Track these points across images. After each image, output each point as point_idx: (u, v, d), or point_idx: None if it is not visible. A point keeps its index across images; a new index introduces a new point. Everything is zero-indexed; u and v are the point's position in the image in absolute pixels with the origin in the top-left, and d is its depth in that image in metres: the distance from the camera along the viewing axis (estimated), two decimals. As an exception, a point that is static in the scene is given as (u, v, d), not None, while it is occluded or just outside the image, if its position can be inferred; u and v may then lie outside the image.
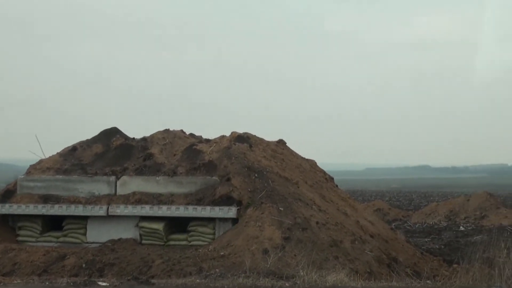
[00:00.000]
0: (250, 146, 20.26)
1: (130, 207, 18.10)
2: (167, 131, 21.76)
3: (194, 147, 20.26)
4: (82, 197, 18.84)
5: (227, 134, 21.25)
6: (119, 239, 17.90)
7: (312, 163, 23.17)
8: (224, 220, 17.53)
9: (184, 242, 17.63)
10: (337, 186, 23.12)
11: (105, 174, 19.26)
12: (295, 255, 14.81)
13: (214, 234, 17.53)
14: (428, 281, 12.94)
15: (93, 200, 18.66)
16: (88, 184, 19.04)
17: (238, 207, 17.48)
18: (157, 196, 18.34)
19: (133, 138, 21.65)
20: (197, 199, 18.02)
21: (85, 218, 18.55)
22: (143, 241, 17.94)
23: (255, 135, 21.42)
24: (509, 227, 39.67)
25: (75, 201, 18.69)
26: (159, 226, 17.82)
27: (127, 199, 18.42)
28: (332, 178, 23.38)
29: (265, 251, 15.23)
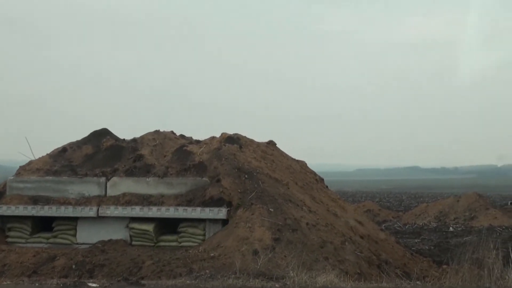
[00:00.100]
0: (240, 147, 20.28)
1: (120, 208, 18.09)
2: (157, 132, 21.75)
3: (185, 148, 20.26)
4: (72, 198, 18.81)
5: (218, 135, 21.27)
6: (109, 240, 17.89)
7: (302, 164, 23.21)
8: (214, 221, 17.52)
9: (174, 243, 17.63)
10: (327, 187, 23.16)
11: (95, 175, 19.25)
12: (285, 256, 14.82)
13: (204, 235, 17.52)
14: (418, 282, 12.95)
15: (83, 201, 18.63)
16: (78, 185, 19.02)
17: (228, 208, 17.49)
18: (147, 197, 18.34)
19: (123, 139, 21.62)
20: (187, 200, 18.02)
21: (75, 219, 18.52)
22: (133, 242, 17.93)
23: (245, 136, 21.45)
24: (499, 228, 39.87)
25: (65, 202, 18.67)
26: (149, 227, 17.81)
27: (117, 200, 18.41)
28: (322, 179, 23.42)
29: (255, 252, 15.24)
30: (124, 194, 18.54)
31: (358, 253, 16.64)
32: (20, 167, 20.70)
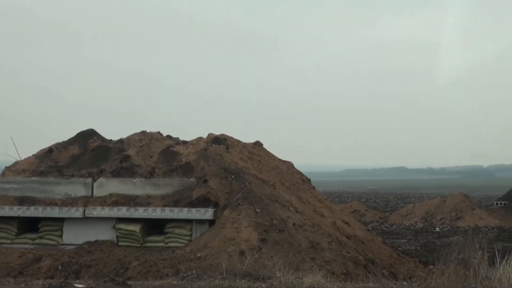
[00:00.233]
0: (227, 148, 20.28)
1: (107, 209, 18.05)
2: (144, 132, 21.72)
3: (171, 148, 20.24)
4: (58, 199, 18.76)
5: (204, 135, 21.26)
6: (96, 241, 17.85)
7: (289, 165, 23.23)
8: (201, 221, 17.51)
9: (161, 244, 17.60)
10: (314, 187, 23.17)
11: (82, 176, 19.21)
12: (271, 257, 14.82)
13: (191, 235, 17.51)
14: (404, 282, 12.99)
15: (70, 202, 18.58)
16: (65, 186, 18.97)
17: (215, 209, 17.49)
18: (134, 198, 18.31)
19: (110, 140, 21.59)
20: (174, 201, 18.00)
21: (61, 220, 18.46)
22: (120, 243, 17.89)
23: (231, 137, 21.45)
24: (484, 228, 40.07)
25: (51, 203, 18.61)
26: (136, 228, 17.78)
27: (104, 201, 18.37)
28: (309, 180, 23.44)
29: (242, 253, 15.23)
30: (110, 195, 18.51)
31: (345, 254, 16.66)
32: (6, 167, 20.62)
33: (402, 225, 45.79)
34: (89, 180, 18.95)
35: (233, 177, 18.55)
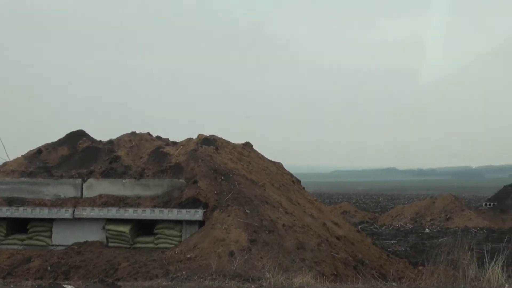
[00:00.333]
0: (217, 149, 20.26)
1: (96, 209, 18.02)
2: (133, 133, 21.67)
3: (161, 149, 20.21)
4: (47, 199, 18.72)
5: (194, 136, 21.23)
6: (85, 242, 17.81)
7: (278, 166, 23.22)
8: (191, 222, 17.50)
9: (150, 245, 17.58)
10: (304, 188, 23.17)
11: (71, 177, 19.16)
12: (261, 258, 14.80)
13: (181, 236, 17.50)
14: (393, 283, 12.99)
15: (59, 202, 18.54)
16: (54, 187, 18.93)
17: (205, 210, 17.48)
18: (124, 199, 18.29)
19: (100, 140, 21.54)
20: (164, 202, 17.98)
21: (50, 221, 18.42)
22: (110, 244, 17.86)
23: (221, 138, 21.43)
24: (474, 229, 40.13)
25: (40, 203, 18.58)
26: (126, 228, 17.76)
27: (93, 202, 18.34)
28: (299, 181, 23.44)
29: (232, 254, 15.23)
30: (100, 196, 18.49)
31: (335, 254, 16.67)
32: (-5, 168, 20.56)
33: (392, 226, 45.83)
34: (79, 181, 18.91)
35: (222, 178, 18.54)
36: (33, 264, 16.33)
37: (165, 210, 17.60)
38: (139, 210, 17.81)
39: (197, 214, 17.39)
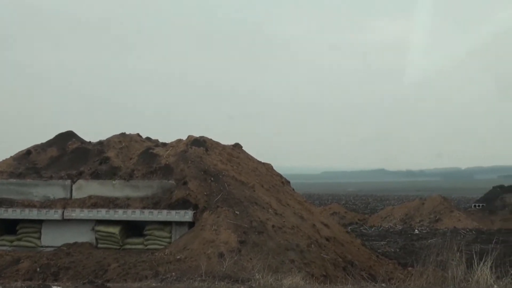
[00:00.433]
0: (206, 150, 20.25)
1: (86, 210, 17.99)
2: (123, 134, 21.63)
3: (151, 150, 20.19)
4: (36, 201, 18.66)
5: (184, 138, 21.21)
6: (75, 243, 17.77)
7: (268, 167, 23.22)
8: (180, 223, 17.49)
9: (140, 246, 17.56)
10: (293, 189, 23.16)
11: (61, 178, 19.11)
12: (250, 259, 14.82)
13: (170, 237, 17.48)
14: (383, 284, 13.03)
15: (48, 204, 18.49)
16: (43, 188, 18.88)
17: (195, 211, 17.48)
18: (113, 200, 18.26)
19: (89, 141, 21.50)
20: (154, 203, 17.97)
21: (39, 222, 18.36)
22: (99, 245, 17.83)
23: (211, 139, 21.41)
24: (463, 230, 40.24)
25: (29, 204, 18.51)
26: (115, 229, 17.73)
27: (83, 203, 18.30)
28: (288, 182, 23.43)
29: (221, 255, 15.23)
30: (90, 197, 18.45)
31: (324, 256, 16.69)
32: (-17, 169, 20.48)
33: (381, 227, 45.91)
34: (68, 182, 18.87)
35: (212, 179, 18.54)
36: (22, 265, 16.28)
37: (155, 211, 17.59)
38: (129, 211, 17.79)
39: (186, 215, 17.38)
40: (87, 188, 18.70)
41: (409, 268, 18.43)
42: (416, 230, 42.47)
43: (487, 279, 11.17)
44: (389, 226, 46.68)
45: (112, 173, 19.07)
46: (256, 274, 12.31)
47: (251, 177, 20.18)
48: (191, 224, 17.40)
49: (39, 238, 18.34)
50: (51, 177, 19.20)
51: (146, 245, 17.55)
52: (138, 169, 19.16)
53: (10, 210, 18.38)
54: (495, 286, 11.01)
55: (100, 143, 20.99)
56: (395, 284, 12.99)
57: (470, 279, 11.35)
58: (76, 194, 18.67)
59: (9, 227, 18.71)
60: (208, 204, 17.62)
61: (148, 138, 22.57)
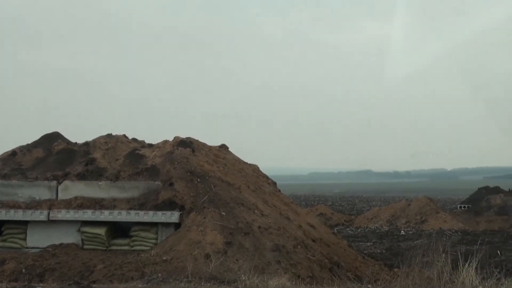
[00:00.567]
0: (193, 151, 20.24)
1: (72, 211, 17.94)
2: (109, 135, 21.60)
3: (137, 151, 20.17)
4: (22, 202, 18.59)
5: (170, 139, 21.20)
6: (61, 244, 17.73)
7: (254, 168, 23.23)
8: (166, 225, 17.48)
9: (126, 247, 17.54)
10: (279, 190, 23.18)
11: (46, 179, 19.05)
12: (237, 260, 14.84)
13: (156, 239, 17.46)
14: (369, 285, 13.08)
15: (34, 205, 18.44)
16: (28, 189, 18.82)
17: (181, 212, 17.46)
18: (100, 201, 18.22)
19: (75, 142, 21.45)
20: (140, 204, 17.95)
21: (25, 223, 18.30)
22: (85, 246, 17.79)
23: (197, 140, 21.40)
24: (448, 231, 40.38)
25: (14, 206, 18.44)
26: (101, 231, 17.70)
27: (68, 204, 18.25)
28: (275, 183, 23.45)
29: (207, 256, 15.24)
30: (76, 198, 18.41)
31: (311, 257, 16.72)
32: (-32, 170, 20.41)
33: (368, 228, 45.97)
34: (54, 183, 18.82)
35: (199, 180, 18.54)
36: (7, 267, 16.21)
37: (141, 213, 17.57)
38: (115, 212, 17.77)
39: (173, 217, 17.37)
40: (73, 189, 18.66)
41: (395, 269, 18.51)
42: (402, 231, 42.56)
43: (472, 280, 11.23)
44: (375, 227, 46.76)
45: (98, 174, 19.04)
46: (242, 275, 12.34)
47: (238, 178, 20.19)
48: (177, 225, 17.39)
49: (25, 239, 18.28)
50: (36, 178, 19.14)
51: (132, 246, 17.53)
52: (124, 170, 19.14)
53: (-5, 211, 18.33)
54: (480, 287, 11.07)
55: (86, 144, 20.94)
56: (381, 285, 13.04)
57: (456, 280, 11.40)
58: (62, 195, 18.62)
59: (-6, 228, 18.67)
60: (194, 205, 17.61)
61: (134, 139, 22.55)
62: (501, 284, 11.20)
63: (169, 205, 17.63)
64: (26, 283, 13.50)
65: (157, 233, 17.54)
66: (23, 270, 15.92)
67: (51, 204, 18.36)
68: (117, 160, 20.00)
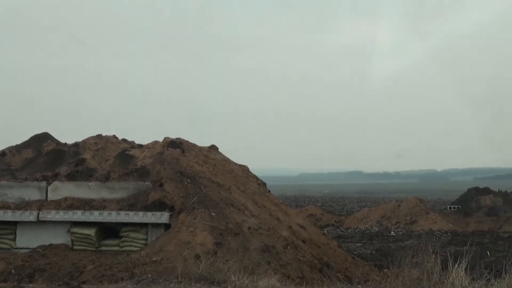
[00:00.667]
0: (183, 152, 20.24)
1: (61, 212, 17.90)
2: (99, 136, 21.58)
3: (127, 152, 20.15)
4: (11, 202, 18.54)
5: (160, 139, 21.20)
6: (50, 245, 17.69)
7: (244, 169, 23.24)
8: (156, 225, 17.46)
9: (116, 248, 17.51)
10: (269, 191, 23.20)
11: (36, 180, 19.00)
12: (226, 260, 14.83)
13: (146, 239, 17.44)
14: (359, 286, 13.11)
15: (23, 205, 18.39)
16: (18, 190, 18.76)
17: (171, 213, 17.45)
18: (89, 202, 18.18)
19: (65, 143, 21.41)
20: (130, 205, 17.92)
21: (14, 224, 18.24)
22: (75, 247, 17.75)
23: (187, 141, 21.42)
24: (438, 232, 40.44)
25: (4, 206, 18.38)
26: (91, 231, 17.66)
27: (58, 205, 18.21)
28: (264, 184, 23.46)
29: (197, 257, 15.22)
30: (65, 199, 18.36)
31: (300, 257, 16.73)
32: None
33: (358, 229, 45.99)
34: (43, 183, 18.77)
35: (188, 180, 18.53)
36: (-4, 267, 16.18)
37: (131, 213, 17.55)
38: (105, 213, 17.73)
39: (163, 217, 17.35)
40: (62, 189, 18.61)
41: (385, 270, 18.51)
42: (392, 232, 42.61)
43: (462, 280, 11.26)
44: (365, 228, 46.80)
45: (88, 175, 19.00)
46: (232, 276, 12.34)
47: (227, 179, 20.20)
48: (167, 226, 17.37)
49: (14, 239, 18.22)
50: (26, 179, 19.09)
51: (122, 247, 17.50)
52: (114, 170, 19.11)
53: (-16, 212, 18.27)
54: (470, 288, 11.10)
55: (76, 144, 20.90)
56: (371, 286, 13.07)
57: (445, 281, 11.43)
58: (51, 196, 18.57)
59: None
60: (184, 205, 17.60)
61: (124, 140, 22.53)
62: (490, 285, 11.23)
63: (159, 205, 17.61)
64: (15, 283, 13.48)
65: (147, 234, 17.52)
66: (13, 271, 15.87)
67: (41, 205, 18.31)
68: (107, 160, 19.98)
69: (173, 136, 21.27)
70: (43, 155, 20.45)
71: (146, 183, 18.44)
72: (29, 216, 18.00)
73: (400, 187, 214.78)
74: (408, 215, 50.26)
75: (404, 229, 45.61)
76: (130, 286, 12.32)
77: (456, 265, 11.51)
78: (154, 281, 12.56)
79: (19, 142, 21.46)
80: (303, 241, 18.52)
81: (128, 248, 17.29)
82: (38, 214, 17.96)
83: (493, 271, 12.09)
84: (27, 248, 17.73)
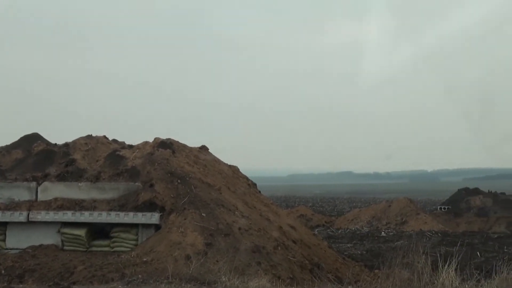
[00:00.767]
0: (173, 152, 20.22)
1: (51, 213, 17.86)
2: (89, 136, 21.54)
3: (117, 153, 20.11)
4: (1, 203, 18.49)
5: (151, 140, 21.17)
6: (40, 245, 17.64)
7: (234, 169, 23.23)
8: (147, 226, 17.44)
9: (106, 248, 17.47)
10: (260, 192, 23.19)
11: (26, 180, 18.96)
12: (217, 261, 14.83)
13: (137, 240, 17.42)
14: (349, 286, 13.13)
15: (13, 206, 18.34)
16: (8, 190, 18.71)
17: (161, 213, 17.43)
18: (80, 202, 18.15)
19: (55, 144, 21.37)
20: (120, 205, 17.90)
21: (4, 224, 18.19)
22: (65, 247, 17.71)
23: (178, 141, 21.40)
24: (428, 233, 40.53)
25: (-7, 207, 18.36)
26: (81, 232, 17.63)
27: (48, 205, 18.17)
28: (255, 184, 23.46)
29: (188, 257, 15.21)
30: (55, 199, 18.32)
31: (291, 258, 16.73)
32: None
33: (348, 230, 46.06)
34: (33, 184, 18.72)
35: (179, 181, 18.52)
36: (-14, 268, 16.14)
37: (121, 214, 17.52)
38: (95, 213, 17.70)
39: (153, 218, 17.33)
40: (52, 190, 18.57)
41: (376, 271, 18.54)
42: (382, 233, 42.68)
43: (452, 281, 11.29)
44: (356, 229, 46.85)
45: (78, 175, 18.97)
46: (223, 277, 12.34)
47: (218, 179, 20.19)
48: (157, 227, 17.35)
49: (4, 240, 18.17)
50: (15, 179, 19.06)
51: (112, 248, 17.47)
52: (105, 171, 19.08)
53: (-26, 212, 18.22)
54: (460, 288, 11.13)
55: (66, 145, 20.86)
56: (361, 286, 13.09)
57: (436, 281, 11.45)
58: (41, 196, 18.53)
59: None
60: (175, 206, 17.59)
61: (114, 140, 22.49)
62: (480, 286, 11.28)
63: (150, 206, 17.60)
64: (5, 284, 13.45)
65: (137, 234, 17.49)
66: (3, 271, 15.84)
67: (31, 205, 18.27)
68: (97, 161, 19.95)
69: (163, 136, 21.26)
70: (33, 156, 20.41)
71: (137, 183, 18.42)
72: (19, 216, 17.95)
73: (391, 188, 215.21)
74: (399, 215, 50.36)
75: (394, 229, 45.70)
76: (120, 287, 12.31)
77: (446, 266, 11.54)
78: (144, 282, 12.55)
79: (9, 143, 21.40)
80: (294, 242, 18.52)
81: (118, 249, 17.27)
82: (28, 214, 17.92)
83: (483, 272, 12.13)
84: (17, 249, 17.68)
